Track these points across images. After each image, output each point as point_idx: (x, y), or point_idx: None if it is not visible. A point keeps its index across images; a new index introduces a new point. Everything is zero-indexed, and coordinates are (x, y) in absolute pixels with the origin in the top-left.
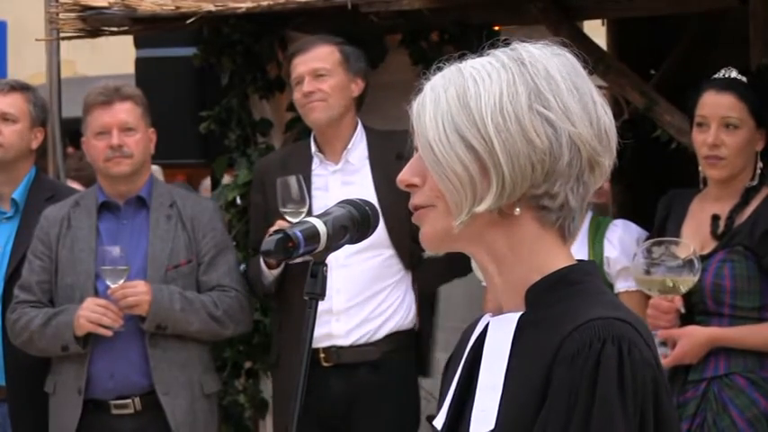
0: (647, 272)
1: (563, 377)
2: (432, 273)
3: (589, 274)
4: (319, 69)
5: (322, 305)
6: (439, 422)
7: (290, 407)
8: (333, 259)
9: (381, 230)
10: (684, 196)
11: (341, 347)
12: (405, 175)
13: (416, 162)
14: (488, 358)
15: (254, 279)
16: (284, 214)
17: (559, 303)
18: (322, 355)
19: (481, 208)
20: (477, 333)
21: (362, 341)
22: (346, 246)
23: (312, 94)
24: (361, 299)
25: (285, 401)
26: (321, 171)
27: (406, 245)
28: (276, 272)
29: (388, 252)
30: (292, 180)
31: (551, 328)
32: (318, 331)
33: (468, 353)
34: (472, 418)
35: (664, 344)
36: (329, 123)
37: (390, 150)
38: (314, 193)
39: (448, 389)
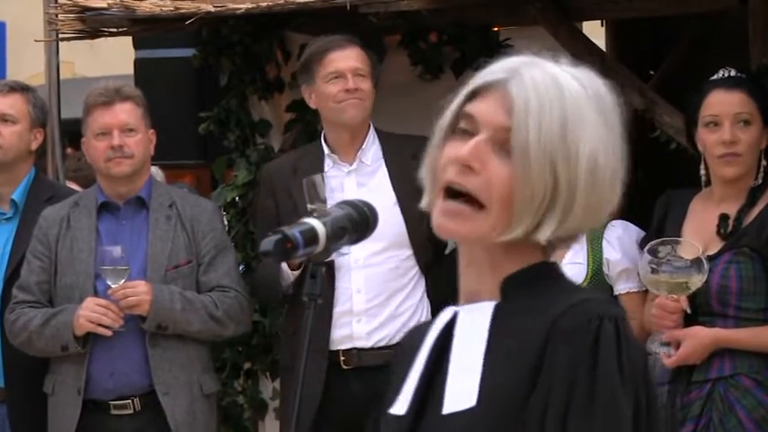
0: (655, 271)
1: (562, 353)
2: (445, 282)
3: (560, 271)
4: (360, 69)
5: (342, 306)
6: (399, 408)
7: (298, 409)
8: (353, 260)
9: (401, 230)
10: (683, 196)
11: (361, 350)
12: (468, 155)
13: (482, 146)
14: (462, 343)
15: (270, 281)
16: (312, 212)
17: (540, 291)
18: (342, 358)
19: (540, 237)
20: (443, 323)
21: (384, 342)
22: (367, 246)
23: (356, 92)
24: (381, 299)
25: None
26: (335, 172)
27: (424, 245)
28: (297, 272)
29: (407, 252)
30: (318, 179)
31: (538, 312)
32: (339, 333)
33: (436, 341)
34: (445, 398)
35: (668, 344)
36: (361, 124)
37: (406, 152)
38: (329, 194)
39: (403, 379)
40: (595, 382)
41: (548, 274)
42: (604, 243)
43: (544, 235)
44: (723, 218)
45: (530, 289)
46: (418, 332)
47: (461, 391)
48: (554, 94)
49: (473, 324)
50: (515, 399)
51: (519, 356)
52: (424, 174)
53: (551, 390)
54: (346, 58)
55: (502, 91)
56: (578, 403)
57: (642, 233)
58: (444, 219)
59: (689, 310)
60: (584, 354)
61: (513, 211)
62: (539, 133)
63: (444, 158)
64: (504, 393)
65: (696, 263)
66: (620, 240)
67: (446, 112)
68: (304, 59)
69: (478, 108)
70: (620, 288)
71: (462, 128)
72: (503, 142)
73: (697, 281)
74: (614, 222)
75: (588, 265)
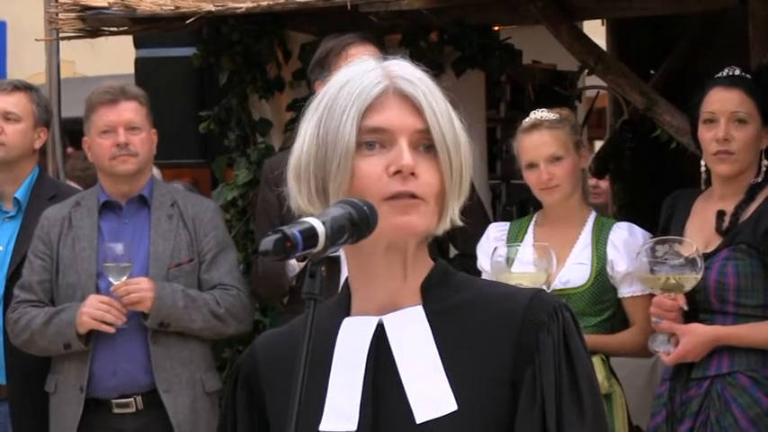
0: (652, 270)
1: (545, 341)
2: None
3: (448, 265)
4: None
5: None
6: (342, 425)
7: (298, 408)
8: None
9: None
10: (688, 196)
11: None
12: (413, 164)
13: (414, 153)
14: (404, 351)
15: (275, 274)
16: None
17: (452, 288)
18: None
19: (445, 227)
20: (363, 335)
21: None
22: None
23: None
24: None
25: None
26: None
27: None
28: (303, 264)
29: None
30: None
31: (476, 309)
32: None
33: (369, 352)
34: (413, 407)
35: (667, 342)
36: None
37: None
38: None
39: (317, 392)
40: (573, 367)
41: (447, 270)
42: (609, 244)
43: (455, 223)
44: (720, 214)
45: (443, 288)
46: (290, 339)
47: (432, 398)
48: (431, 85)
49: (409, 331)
50: (498, 395)
51: (488, 353)
52: (303, 190)
53: (542, 375)
54: (364, 54)
55: (396, 96)
56: (565, 384)
57: (647, 235)
58: (405, 216)
59: (686, 308)
60: (560, 341)
61: (442, 203)
62: (445, 125)
63: (372, 172)
64: (483, 392)
65: (690, 261)
66: (625, 244)
67: (338, 132)
68: (321, 54)
69: (385, 119)
70: (624, 292)
71: (367, 141)
72: (416, 143)
73: (691, 279)
74: (620, 224)
75: (592, 266)
